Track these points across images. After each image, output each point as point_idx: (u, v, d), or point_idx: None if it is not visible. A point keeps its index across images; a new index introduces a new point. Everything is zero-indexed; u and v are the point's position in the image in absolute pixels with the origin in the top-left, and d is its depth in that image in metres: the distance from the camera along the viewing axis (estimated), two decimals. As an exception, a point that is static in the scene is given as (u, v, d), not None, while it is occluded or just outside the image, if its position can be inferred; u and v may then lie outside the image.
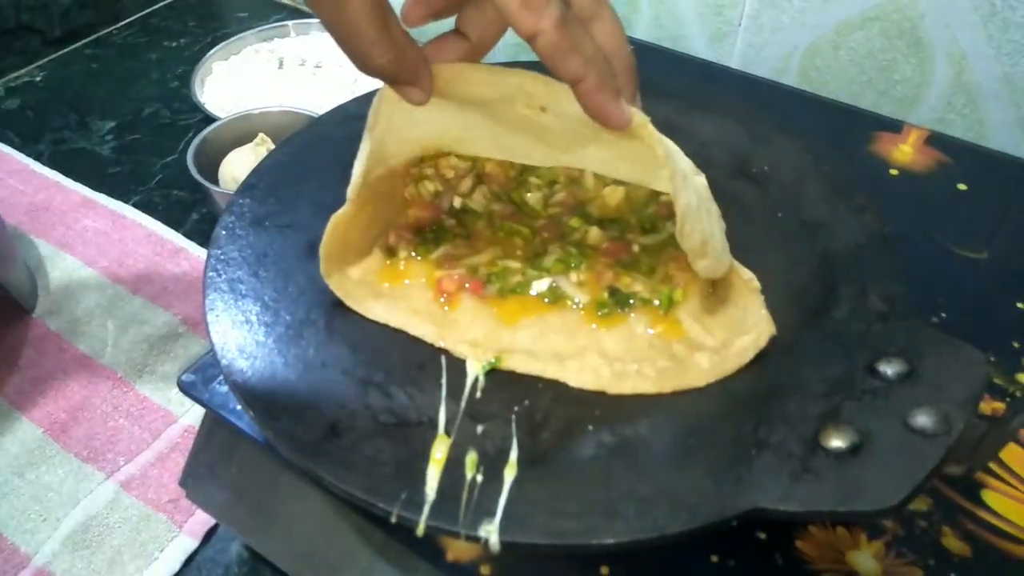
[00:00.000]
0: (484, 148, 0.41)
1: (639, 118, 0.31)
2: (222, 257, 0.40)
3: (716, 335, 0.36)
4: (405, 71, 0.31)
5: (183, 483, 0.47)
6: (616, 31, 0.30)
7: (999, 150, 0.60)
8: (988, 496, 0.39)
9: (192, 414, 0.56)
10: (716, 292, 0.37)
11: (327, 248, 0.37)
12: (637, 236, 0.40)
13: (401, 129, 0.38)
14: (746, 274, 0.35)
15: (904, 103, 0.65)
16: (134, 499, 0.52)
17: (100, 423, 0.56)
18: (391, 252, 0.40)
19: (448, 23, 0.35)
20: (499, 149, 0.41)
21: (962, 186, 0.56)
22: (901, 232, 0.52)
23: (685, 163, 0.35)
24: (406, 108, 0.34)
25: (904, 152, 0.59)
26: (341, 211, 0.37)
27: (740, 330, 0.35)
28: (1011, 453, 0.40)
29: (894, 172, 0.57)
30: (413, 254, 0.40)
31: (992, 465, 0.40)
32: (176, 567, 0.49)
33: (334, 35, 0.29)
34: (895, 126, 0.61)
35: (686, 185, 0.33)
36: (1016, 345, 0.46)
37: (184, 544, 0.50)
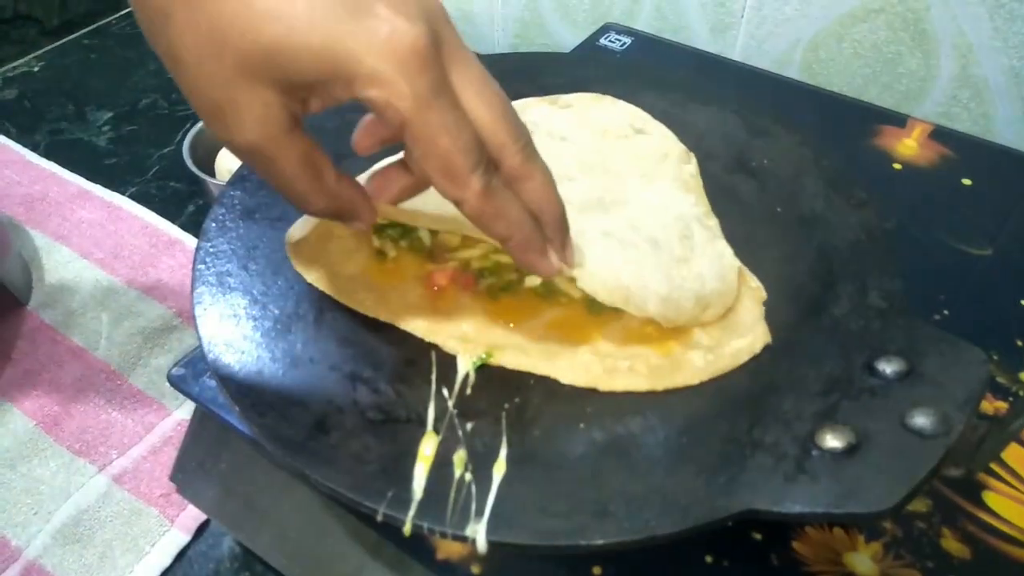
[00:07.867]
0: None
1: (566, 270, 0.33)
2: (211, 250, 0.39)
3: (711, 334, 0.35)
4: (343, 212, 0.32)
5: (174, 478, 0.47)
6: (545, 188, 0.31)
7: (1005, 144, 0.59)
8: (989, 497, 0.38)
9: (185, 408, 0.56)
10: None
11: (297, 263, 0.38)
12: None
13: None
14: (754, 281, 0.35)
15: (909, 97, 0.64)
16: (126, 493, 0.52)
17: (93, 416, 0.56)
18: (380, 252, 0.39)
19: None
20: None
21: (967, 181, 0.55)
22: (904, 227, 0.51)
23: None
24: None
25: (908, 146, 0.58)
26: (296, 231, 0.38)
27: (736, 332, 0.34)
28: (1013, 454, 0.40)
29: (897, 166, 0.56)
30: (402, 244, 0.39)
31: (993, 466, 0.39)
32: (167, 562, 0.49)
33: (272, 185, 0.30)
34: (899, 120, 0.60)
35: (651, 301, 0.34)
36: (1020, 343, 0.45)
37: (176, 539, 0.50)
